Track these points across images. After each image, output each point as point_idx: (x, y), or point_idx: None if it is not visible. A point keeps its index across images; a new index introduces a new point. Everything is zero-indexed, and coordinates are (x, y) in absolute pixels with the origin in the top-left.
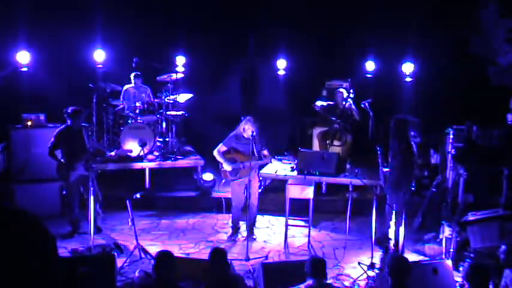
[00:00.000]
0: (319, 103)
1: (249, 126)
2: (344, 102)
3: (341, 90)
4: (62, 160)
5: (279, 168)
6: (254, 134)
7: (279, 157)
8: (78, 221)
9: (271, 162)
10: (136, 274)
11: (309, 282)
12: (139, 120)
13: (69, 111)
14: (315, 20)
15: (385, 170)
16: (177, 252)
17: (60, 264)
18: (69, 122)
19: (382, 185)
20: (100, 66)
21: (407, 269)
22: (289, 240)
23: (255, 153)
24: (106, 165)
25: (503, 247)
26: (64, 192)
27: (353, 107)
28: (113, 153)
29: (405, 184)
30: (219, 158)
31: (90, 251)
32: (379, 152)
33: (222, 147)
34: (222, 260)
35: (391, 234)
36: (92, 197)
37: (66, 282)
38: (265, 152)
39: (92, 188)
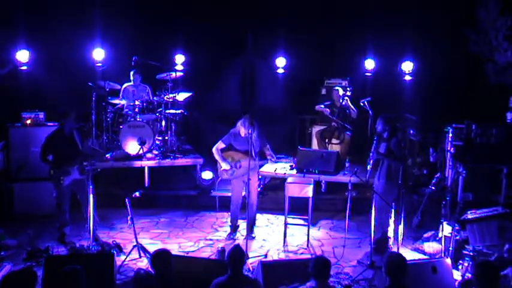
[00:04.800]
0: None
1: (243, 125)
2: (341, 100)
3: (337, 88)
4: (54, 164)
5: (278, 166)
6: (250, 132)
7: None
8: (66, 225)
9: (273, 160)
10: (136, 273)
11: (312, 283)
12: (138, 119)
13: (58, 113)
14: (314, 18)
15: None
16: (176, 250)
17: None
18: (60, 124)
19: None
20: (99, 64)
21: (404, 268)
22: (288, 238)
23: (253, 152)
24: (105, 164)
25: (507, 246)
26: (54, 195)
27: (351, 105)
28: (108, 156)
29: (399, 178)
30: (216, 156)
31: (88, 250)
32: (375, 142)
33: (220, 144)
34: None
35: (390, 232)
36: (91, 198)
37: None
38: (267, 150)
39: (91, 187)
